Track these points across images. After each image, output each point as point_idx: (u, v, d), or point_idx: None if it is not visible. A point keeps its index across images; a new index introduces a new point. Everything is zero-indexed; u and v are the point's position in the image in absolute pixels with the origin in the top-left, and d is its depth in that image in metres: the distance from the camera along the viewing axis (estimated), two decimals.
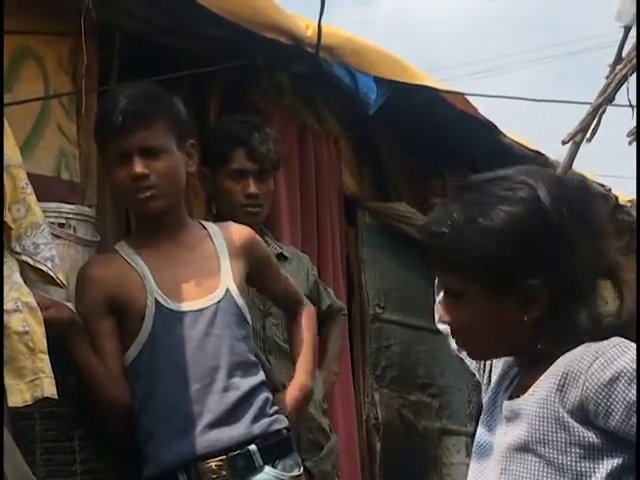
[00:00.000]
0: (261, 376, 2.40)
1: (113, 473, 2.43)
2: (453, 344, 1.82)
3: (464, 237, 1.53)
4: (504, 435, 1.55)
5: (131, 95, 2.36)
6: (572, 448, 1.46)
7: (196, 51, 3.56)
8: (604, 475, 1.45)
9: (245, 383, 2.34)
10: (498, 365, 1.69)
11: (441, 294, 1.89)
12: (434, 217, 1.60)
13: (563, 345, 1.52)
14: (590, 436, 1.45)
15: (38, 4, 2.99)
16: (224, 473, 2.26)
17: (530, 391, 1.52)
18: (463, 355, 1.79)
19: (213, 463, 2.26)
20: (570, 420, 1.46)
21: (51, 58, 3.13)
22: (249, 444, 2.29)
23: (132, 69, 3.29)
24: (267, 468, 2.31)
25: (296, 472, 2.39)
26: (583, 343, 1.50)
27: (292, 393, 2.55)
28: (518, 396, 1.56)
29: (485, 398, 1.69)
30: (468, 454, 5.10)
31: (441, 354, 4.92)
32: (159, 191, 2.35)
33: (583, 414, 1.46)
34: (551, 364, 1.51)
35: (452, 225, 1.54)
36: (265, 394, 2.38)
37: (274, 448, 2.33)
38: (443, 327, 1.87)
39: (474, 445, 1.65)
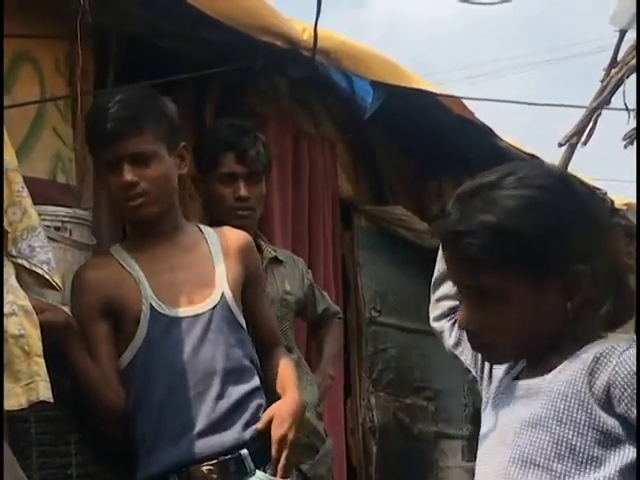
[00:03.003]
0: (255, 382, 2.39)
1: (109, 476, 2.43)
2: (449, 342, 1.82)
3: (505, 227, 1.48)
4: (518, 412, 1.52)
5: (120, 101, 2.35)
6: (589, 431, 1.44)
7: (193, 54, 3.57)
8: (616, 468, 1.43)
9: (238, 390, 2.33)
10: None
11: (435, 294, 1.89)
12: (457, 216, 1.53)
13: (589, 330, 1.51)
14: (610, 424, 1.43)
15: (34, 7, 2.99)
16: (215, 477, 2.26)
17: (554, 372, 1.50)
18: (458, 352, 1.79)
19: (204, 467, 2.26)
20: (594, 404, 1.44)
21: (47, 61, 3.13)
22: (241, 449, 2.29)
23: (129, 72, 3.29)
24: (258, 472, 2.30)
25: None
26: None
27: (288, 409, 2.37)
28: (534, 377, 1.54)
29: (490, 390, 1.67)
30: (464, 458, 5.10)
31: (437, 357, 4.92)
32: (149, 198, 2.34)
33: (607, 399, 1.44)
34: (577, 347, 1.50)
35: (486, 220, 1.49)
36: (258, 400, 2.37)
37: (265, 452, 2.32)
38: (438, 325, 1.87)
39: (482, 434, 1.61)
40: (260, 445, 2.32)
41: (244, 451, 2.29)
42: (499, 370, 1.67)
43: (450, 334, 1.83)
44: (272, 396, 2.44)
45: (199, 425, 2.27)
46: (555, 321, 1.52)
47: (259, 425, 2.32)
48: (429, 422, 4.97)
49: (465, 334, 1.77)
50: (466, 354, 1.78)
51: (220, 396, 2.30)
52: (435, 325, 1.88)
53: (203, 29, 3.44)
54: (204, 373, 2.30)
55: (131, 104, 2.36)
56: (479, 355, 1.73)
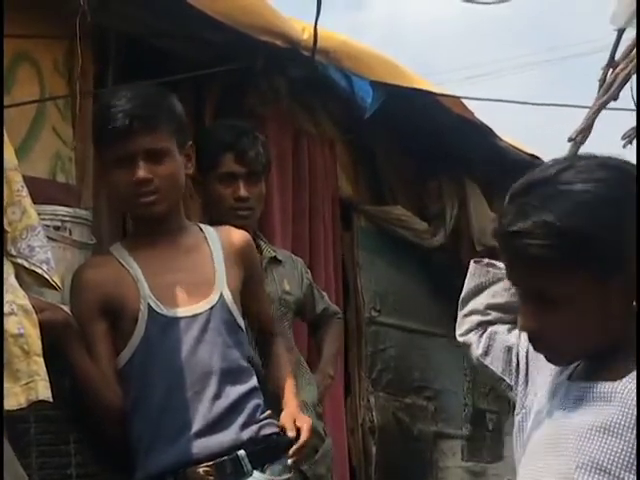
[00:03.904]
0: (252, 382, 2.38)
1: (109, 476, 2.43)
2: (477, 352, 1.81)
3: (563, 225, 1.40)
4: (583, 416, 1.45)
5: (136, 98, 2.33)
6: None
7: (193, 54, 3.57)
8: None
9: (235, 390, 2.32)
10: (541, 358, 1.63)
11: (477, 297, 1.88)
12: (513, 215, 1.45)
13: None
14: None
15: (34, 8, 2.99)
16: (212, 478, 2.25)
17: (629, 377, 1.43)
18: (488, 362, 1.78)
19: (201, 469, 2.25)
20: None
21: (47, 61, 3.13)
22: (238, 449, 2.28)
23: (128, 72, 3.29)
24: (256, 473, 2.29)
25: (285, 476, 2.37)
26: None
27: (299, 417, 2.43)
28: (598, 379, 1.48)
29: (530, 393, 1.64)
30: (464, 457, 5.11)
31: (437, 357, 4.93)
32: (161, 196, 2.34)
33: None
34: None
35: (543, 218, 1.41)
36: (255, 401, 2.36)
37: (263, 453, 2.32)
38: (465, 338, 1.86)
39: (529, 436, 1.56)
40: (258, 446, 2.32)
41: (241, 452, 2.28)
42: (539, 375, 1.64)
43: (478, 345, 1.82)
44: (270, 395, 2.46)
45: (196, 425, 2.27)
46: (620, 321, 1.46)
47: (292, 433, 2.35)
48: (429, 422, 4.97)
49: (494, 343, 1.79)
50: (496, 363, 1.76)
51: (217, 396, 2.29)
52: (462, 339, 1.88)
53: (203, 29, 3.44)
54: (201, 373, 2.29)
55: (146, 101, 2.35)
56: (512, 362, 1.72)
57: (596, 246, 1.42)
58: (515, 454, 1.62)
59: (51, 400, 2.09)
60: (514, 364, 1.72)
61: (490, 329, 1.82)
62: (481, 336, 1.83)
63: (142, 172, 2.31)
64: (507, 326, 1.82)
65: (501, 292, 1.85)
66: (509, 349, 1.75)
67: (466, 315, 1.89)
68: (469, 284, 1.90)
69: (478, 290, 1.88)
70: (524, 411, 1.63)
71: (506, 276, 1.56)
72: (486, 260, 1.90)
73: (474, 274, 1.89)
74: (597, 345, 1.49)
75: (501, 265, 1.84)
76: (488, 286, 1.86)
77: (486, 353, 1.80)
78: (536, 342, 1.54)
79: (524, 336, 1.73)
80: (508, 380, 1.73)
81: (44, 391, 2.07)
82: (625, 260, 1.42)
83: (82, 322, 2.32)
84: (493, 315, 1.84)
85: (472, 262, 1.91)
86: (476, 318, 1.86)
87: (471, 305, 1.89)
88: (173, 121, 2.39)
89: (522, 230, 1.44)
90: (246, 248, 2.51)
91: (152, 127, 2.32)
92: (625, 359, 1.46)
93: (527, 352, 1.71)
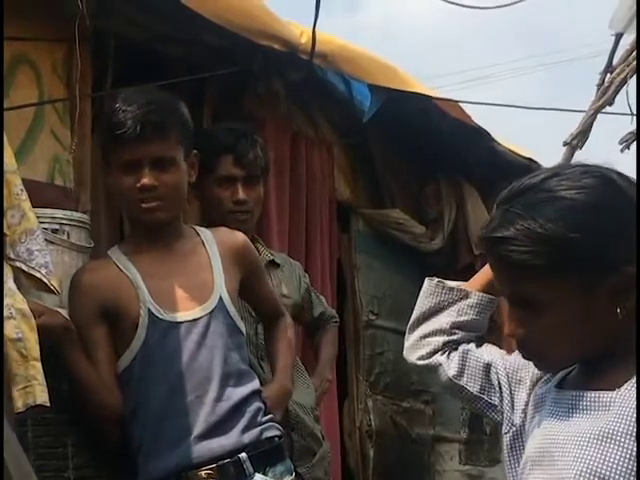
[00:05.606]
0: (254, 385, 2.39)
1: (108, 479, 2.42)
2: (449, 373, 1.75)
3: (546, 232, 1.41)
4: (579, 424, 1.44)
5: (148, 104, 2.33)
6: None
7: (191, 58, 3.57)
8: None
9: (237, 393, 2.33)
10: (523, 375, 1.63)
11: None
12: (498, 221, 1.47)
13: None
14: None
15: (33, 10, 2.99)
16: None
17: (627, 385, 1.43)
18: (463, 382, 1.73)
19: (204, 472, 2.26)
20: None
21: (46, 64, 3.13)
22: (240, 452, 2.29)
23: (126, 75, 3.29)
24: (257, 476, 2.31)
25: (287, 479, 2.39)
26: None
27: (271, 393, 2.52)
28: (590, 388, 1.46)
29: (517, 411, 1.62)
30: (461, 461, 5.10)
31: None
32: (164, 203, 2.35)
33: None
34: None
35: (527, 225, 1.42)
36: (257, 403, 2.38)
37: (264, 456, 2.33)
38: (430, 361, 1.79)
39: (529, 452, 1.53)
40: (259, 449, 2.32)
41: (243, 455, 2.29)
42: (520, 390, 1.63)
43: (449, 365, 1.76)
44: None
45: (198, 429, 2.27)
46: (606, 327, 1.45)
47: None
48: (426, 425, 4.97)
49: (468, 362, 1.74)
50: (472, 383, 1.73)
51: (218, 399, 2.30)
52: (424, 362, 1.79)
53: (201, 32, 3.44)
54: (202, 377, 2.30)
55: (158, 108, 2.34)
56: (493, 380, 1.69)
57: (579, 252, 1.42)
58: (507, 474, 1.60)
59: (48, 404, 2.09)
60: (495, 382, 1.70)
61: (461, 348, 1.76)
62: (449, 356, 1.77)
63: (147, 179, 2.32)
64: (474, 343, 1.77)
65: (466, 310, 1.79)
66: (487, 367, 1.72)
67: (426, 336, 1.80)
68: (426, 304, 1.82)
69: (437, 310, 1.81)
70: (514, 429, 1.62)
71: (494, 280, 1.56)
72: (436, 279, 1.84)
73: (432, 293, 1.82)
74: (588, 351, 1.49)
75: (453, 284, 1.82)
76: (449, 305, 1.80)
77: (461, 373, 1.74)
78: (523, 348, 1.53)
79: (496, 354, 1.73)
80: (487, 399, 1.70)
81: (41, 395, 2.07)
82: (611, 267, 1.42)
83: (81, 326, 2.31)
84: (460, 334, 1.78)
85: (426, 280, 1.85)
86: (441, 339, 1.78)
87: (430, 325, 1.81)
88: (182, 130, 2.39)
89: (505, 236, 1.45)
90: (242, 248, 2.52)
91: (162, 135, 2.33)
92: (623, 365, 1.45)
93: (505, 368, 1.70)
